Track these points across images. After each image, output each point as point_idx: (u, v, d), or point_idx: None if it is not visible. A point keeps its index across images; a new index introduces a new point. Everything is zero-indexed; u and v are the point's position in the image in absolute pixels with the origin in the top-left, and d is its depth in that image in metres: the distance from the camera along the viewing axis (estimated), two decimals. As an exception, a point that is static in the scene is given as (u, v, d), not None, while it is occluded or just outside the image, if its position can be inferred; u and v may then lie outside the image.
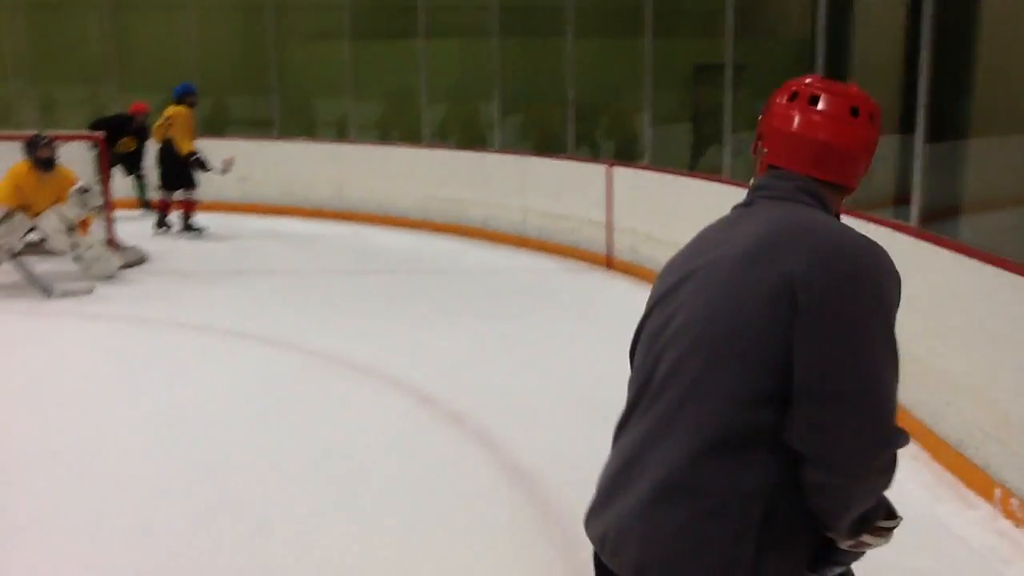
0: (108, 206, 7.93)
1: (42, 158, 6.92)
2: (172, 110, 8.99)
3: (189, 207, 9.18)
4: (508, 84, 9.08)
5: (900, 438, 1.40)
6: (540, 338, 5.87)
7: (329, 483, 3.80)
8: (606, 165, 7.74)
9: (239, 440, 4.23)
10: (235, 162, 9.09)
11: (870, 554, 1.54)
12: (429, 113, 9.80)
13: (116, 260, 7.45)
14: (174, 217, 9.32)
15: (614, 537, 1.52)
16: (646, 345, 1.60)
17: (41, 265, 7.17)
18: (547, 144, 9.01)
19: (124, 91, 10.96)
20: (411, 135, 10.01)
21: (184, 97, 9.03)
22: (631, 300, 6.71)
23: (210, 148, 9.68)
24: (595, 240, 7.84)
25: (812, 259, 1.43)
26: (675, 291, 1.57)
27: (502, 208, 8.85)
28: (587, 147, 8.75)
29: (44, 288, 6.81)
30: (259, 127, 10.93)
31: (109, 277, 7.24)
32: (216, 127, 10.93)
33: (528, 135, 9.47)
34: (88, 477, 3.85)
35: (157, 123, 9.20)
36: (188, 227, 9.17)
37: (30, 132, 7.42)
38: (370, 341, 5.73)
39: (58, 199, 7.03)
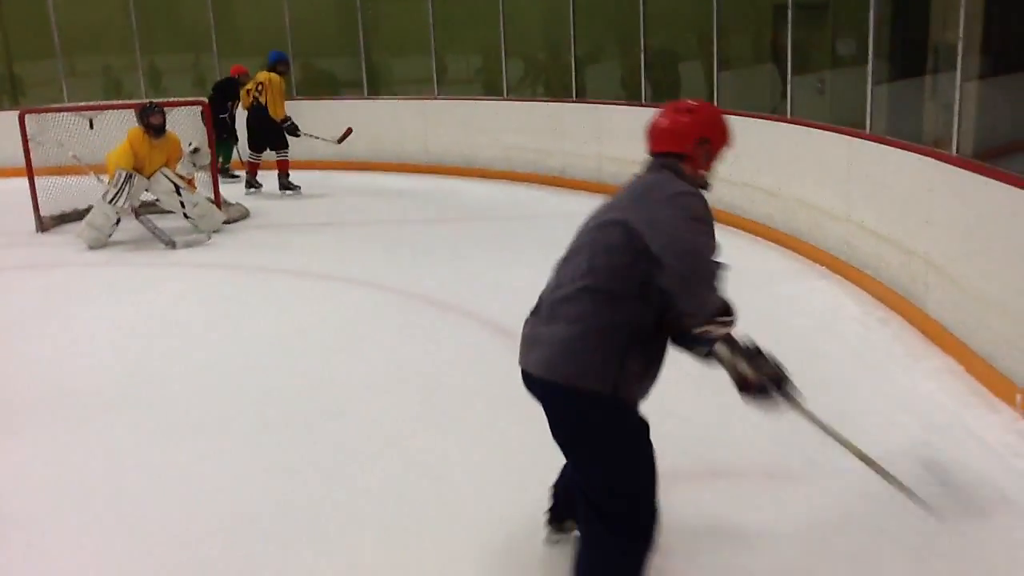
0: (213, 166, 8.61)
1: (154, 124, 7.58)
2: (265, 76, 9.44)
3: (283, 167, 9.68)
4: (585, 34, 9.37)
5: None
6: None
7: (416, 393, 4.35)
8: (676, 110, 7.99)
9: (338, 362, 4.84)
10: (351, 133, 9.69)
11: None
12: (510, 66, 10.17)
13: (221, 215, 8.13)
14: (261, 177, 9.84)
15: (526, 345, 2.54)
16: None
17: (160, 221, 7.89)
18: (623, 92, 9.31)
19: (223, 58, 11.63)
20: (492, 89, 10.41)
21: (277, 65, 9.47)
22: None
23: (304, 109, 10.30)
24: (667, 184, 8.12)
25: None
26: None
27: (579, 156, 9.22)
28: (663, 93, 8.99)
29: (167, 241, 7.52)
30: (348, 87, 11.47)
31: (216, 231, 7.93)
32: (308, 88, 11.53)
33: (606, 84, 9.75)
34: (216, 391, 4.49)
35: (246, 87, 9.69)
36: (286, 186, 9.70)
37: (140, 101, 8.13)
38: (453, 280, 6.23)
39: (167, 161, 7.74)
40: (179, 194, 7.76)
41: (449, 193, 9.58)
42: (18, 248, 7.78)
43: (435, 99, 10.72)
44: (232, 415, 4.22)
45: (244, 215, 8.55)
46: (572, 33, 9.34)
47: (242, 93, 9.80)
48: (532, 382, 2.51)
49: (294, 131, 9.55)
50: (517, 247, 7.25)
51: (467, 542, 3.11)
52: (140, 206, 7.78)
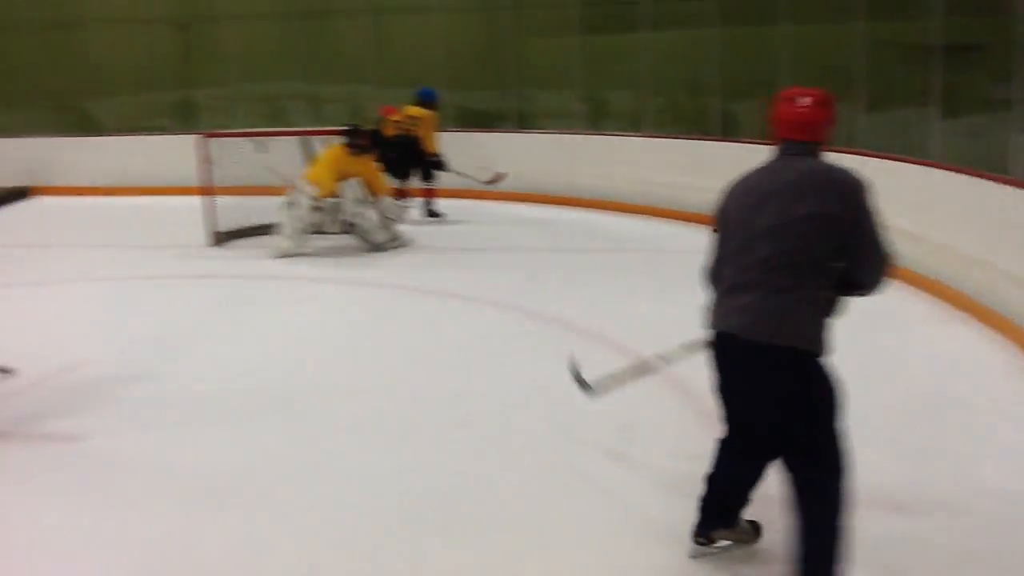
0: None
1: (360, 144, 8.47)
2: (418, 111, 9.99)
3: (430, 195, 10.21)
4: (726, 73, 9.51)
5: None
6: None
7: (547, 409, 4.61)
8: (820, 150, 8.01)
9: (477, 376, 5.17)
10: (504, 178, 10.32)
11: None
12: (652, 103, 10.39)
13: (383, 236, 8.67)
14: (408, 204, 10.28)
15: (751, 317, 2.82)
16: (744, 238, 2.91)
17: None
18: (763, 131, 9.36)
19: (381, 88, 12.34)
20: (635, 124, 10.65)
21: (430, 102, 10.05)
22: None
23: (455, 141, 10.82)
24: (808, 224, 8.13)
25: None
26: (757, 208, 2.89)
27: (719, 194, 9.30)
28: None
29: (376, 245, 8.46)
30: (498, 120, 11.94)
31: (377, 248, 8.47)
32: (459, 120, 12.07)
33: (744, 122, 9.85)
34: (367, 396, 4.87)
35: (394, 118, 10.12)
36: (430, 213, 10.18)
37: (307, 129, 8.78)
38: (588, 307, 6.49)
39: (361, 175, 8.53)
40: (362, 204, 8.49)
41: (590, 225, 9.85)
42: (193, 260, 8.53)
43: (580, 133, 11.03)
44: (380, 419, 4.60)
45: (404, 244, 9.01)
46: (718, 70, 9.49)
47: (389, 123, 10.22)
48: (743, 347, 2.84)
49: (442, 165, 10.09)
50: (651, 279, 7.44)
51: (593, 546, 3.32)
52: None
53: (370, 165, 8.71)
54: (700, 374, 3.25)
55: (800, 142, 2.91)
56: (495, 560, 3.29)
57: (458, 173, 10.25)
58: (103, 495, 3.86)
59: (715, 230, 3.10)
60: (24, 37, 13.38)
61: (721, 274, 3.01)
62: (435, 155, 10.06)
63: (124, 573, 3.28)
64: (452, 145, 10.53)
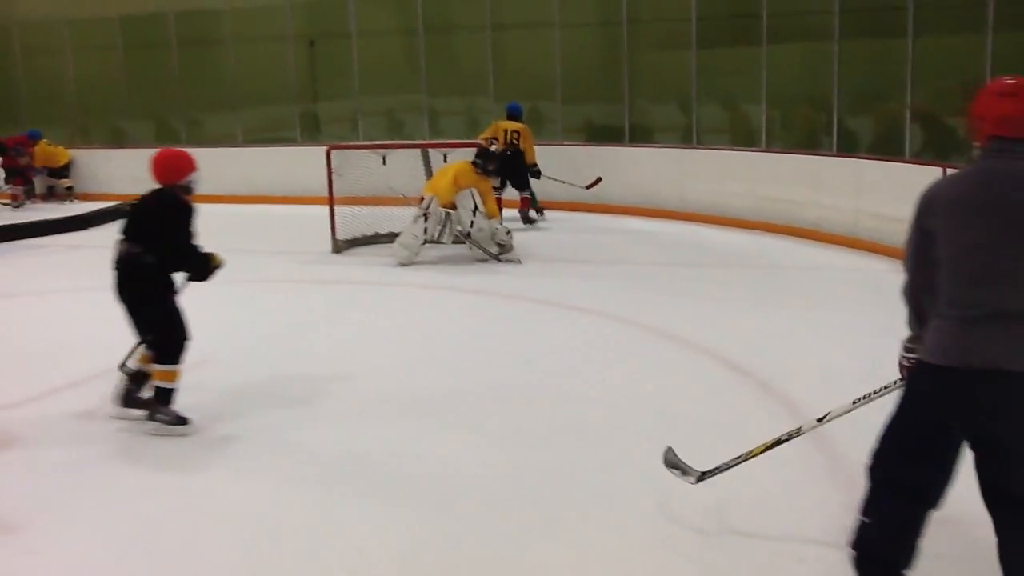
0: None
1: (489, 168, 8.84)
2: (517, 126, 10.66)
3: (525, 204, 10.79)
4: (844, 87, 9.34)
5: None
6: (858, 327, 6.27)
7: (650, 418, 4.68)
8: (941, 167, 7.82)
9: (580, 382, 5.29)
10: (601, 182, 10.70)
11: None
12: (768, 117, 10.30)
13: (494, 248, 8.90)
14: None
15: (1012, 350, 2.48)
16: (981, 256, 2.52)
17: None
18: (884, 146, 9.18)
19: (498, 102, 12.61)
20: (749, 139, 10.57)
21: (521, 117, 10.85)
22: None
23: (568, 153, 10.97)
24: (928, 242, 7.92)
25: None
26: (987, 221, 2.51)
27: (835, 210, 9.17)
28: (930, 150, 8.77)
29: (488, 255, 8.74)
30: (610, 133, 12.03)
31: (489, 258, 8.71)
32: (572, 133, 12.22)
33: (865, 138, 9.65)
34: (470, 396, 5.04)
35: (485, 135, 10.56)
36: (527, 219, 10.76)
37: (428, 142, 9.10)
38: (693, 319, 6.51)
39: (478, 187, 8.88)
40: (474, 214, 8.82)
41: (700, 239, 9.83)
42: (316, 265, 8.94)
43: (692, 148, 11.02)
44: (485, 419, 4.76)
45: (511, 250, 9.22)
46: (835, 84, 9.34)
47: (480, 140, 10.58)
48: (1005, 380, 2.51)
49: (538, 174, 10.75)
50: (764, 293, 7.40)
51: (683, 555, 3.38)
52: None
53: (489, 184, 8.98)
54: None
55: (1019, 140, 2.55)
56: (592, 556, 3.39)
57: (557, 180, 10.68)
58: (269, 476, 4.14)
59: (919, 243, 2.71)
60: (167, 54, 14.25)
61: (956, 296, 2.59)
62: (534, 164, 10.64)
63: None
64: (566, 158, 10.69)
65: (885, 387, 3.11)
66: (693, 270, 8.48)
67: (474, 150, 9.65)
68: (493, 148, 9.28)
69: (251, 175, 13.52)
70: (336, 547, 3.51)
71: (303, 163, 12.78)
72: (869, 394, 3.19)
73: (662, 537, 3.51)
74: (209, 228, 12.11)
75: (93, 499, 4.00)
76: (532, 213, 10.83)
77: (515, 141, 10.61)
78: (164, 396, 4.62)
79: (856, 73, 9.40)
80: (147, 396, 4.70)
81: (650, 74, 12.10)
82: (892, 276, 7.82)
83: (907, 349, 2.93)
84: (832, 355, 5.64)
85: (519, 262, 8.72)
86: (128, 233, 4.59)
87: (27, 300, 8.01)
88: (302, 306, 7.47)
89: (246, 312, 7.28)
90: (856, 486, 3.79)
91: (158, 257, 4.53)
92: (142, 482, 4.16)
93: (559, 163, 11.54)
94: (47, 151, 14.18)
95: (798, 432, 3.34)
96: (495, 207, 9.03)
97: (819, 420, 3.27)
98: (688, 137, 11.17)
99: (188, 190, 4.82)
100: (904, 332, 3.04)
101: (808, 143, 10.26)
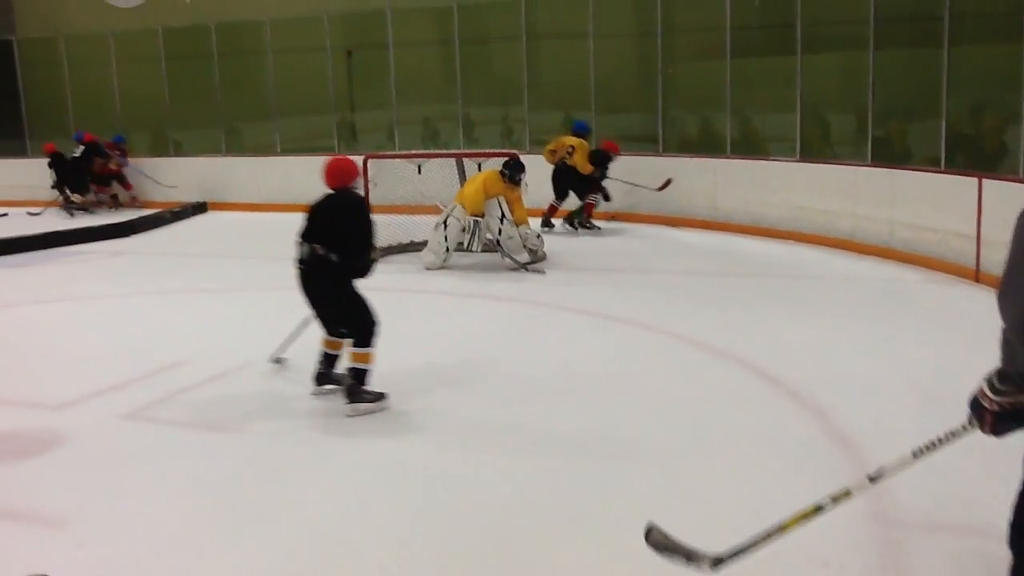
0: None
1: (517, 179, 9.00)
2: (574, 140, 10.88)
3: (588, 209, 11.05)
4: (880, 98, 9.32)
5: None
6: (891, 337, 6.27)
7: (681, 426, 4.72)
8: (977, 178, 7.79)
9: (615, 390, 5.33)
10: (671, 183, 10.98)
11: None
12: (801, 126, 10.29)
13: (525, 255, 8.98)
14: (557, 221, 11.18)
15: None
16: None
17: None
18: (916, 156, 9.15)
19: (531, 111, 12.72)
20: (784, 149, 10.56)
21: (584, 133, 11.09)
22: (995, 312, 6.86)
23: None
24: (963, 253, 7.90)
25: None
26: None
27: (870, 220, 9.14)
28: (961, 159, 8.73)
29: (517, 264, 8.85)
30: (644, 142, 12.08)
31: (519, 267, 8.80)
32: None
33: (897, 148, 9.61)
34: (501, 402, 5.12)
35: (550, 147, 11.06)
36: (585, 224, 11.06)
37: (466, 151, 9.20)
38: (725, 329, 6.53)
39: (506, 196, 9.03)
40: (502, 221, 8.91)
41: (732, 249, 9.83)
42: (350, 272, 9.07)
43: (726, 158, 11.03)
44: (516, 425, 4.83)
45: (542, 257, 9.32)
46: (871, 95, 9.32)
47: (545, 152, 11.18)
48: None
49: (596, 183, 10.94)
50: (797, 303, 7.41)
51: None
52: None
53: (517, 193, 9.08)
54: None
55: None
56: (621, 557, 3.45)
57: (627, 183, 10.97)
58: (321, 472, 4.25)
59: None
60: (207, 65, 14.54)
61: None
62: (594, 172, 10.84)
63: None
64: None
65: (951, 433, 2.73)
66: (726, 279, 8.50)
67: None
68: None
69: (289, 184, 13.74)
70: (375, 544, 3.61)
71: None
72: (932, 443, 2.81)
73: (688, 539, 3.56)
74: (248, 236, 12.46)
75: (138, 495, 4.13)
76: (578, 221, 11.07)
77: (568, 154, 10.91)
78: (361, 376, 5.02)
79: (891, 84, 9.37)
80: (340, 374, 5.19)
81: (684, 84, 12.14)
82: (926, 287, 7.91)
83: (996, 391, 2.43)
84: (864, 366, 5.65)
85: (543, 272, 8.75)
86: (310, 234, 4.98)
87: (71, 305, 8.23)
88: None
89: (282, 318, 7.42)
90: (881, 492, 3.83)
91: (341, 255, 4.89)
92: (187, 479, 4.28)
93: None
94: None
95: (846, 495, 2.94)
96: (523, 214, 9.12)
97: (871, 479, 2.91)
98: (722, 147, 11.18)
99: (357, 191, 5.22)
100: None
101: (843, 153, 10.24)
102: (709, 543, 3.52)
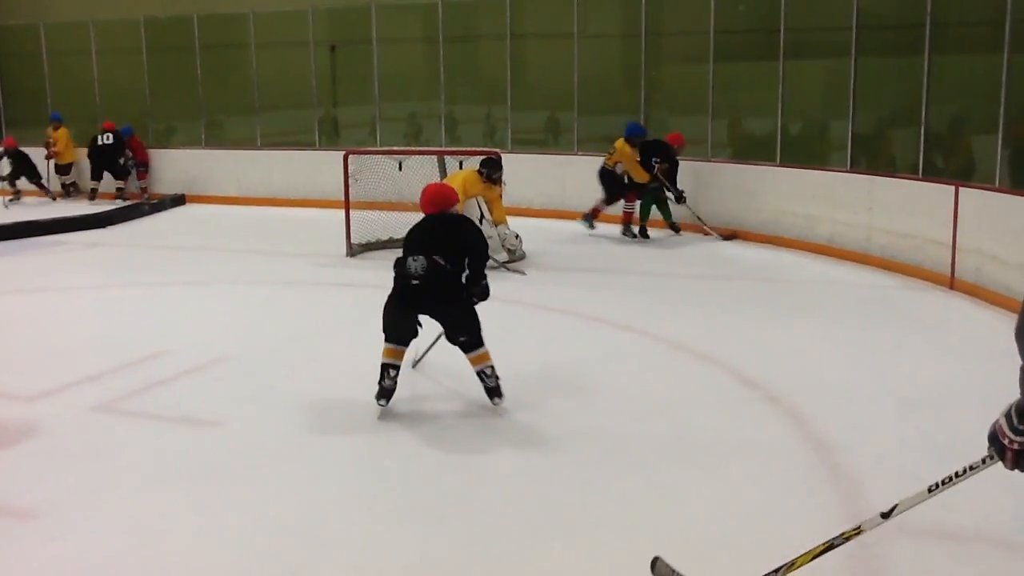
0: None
1: (495, 177, 8.94)
2: (618, 143, 10.44)
3: (627, 217, 10.66)
4: (861, 104, 9.39)
5: None
6: (868, 342, 6.31)
7: (660, 427, 4.74)
8: (954, 186, 7.86)
9: (596, 392, 5.33)
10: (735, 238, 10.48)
11: None
12: (783, 131, 10.35)
13: (504, 255, 9.00)
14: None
15: None
16: None
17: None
18: (895, 163, 9.23)
19: (514, 111, 12.71)
20: (767, 153, 10.61)
21: (632, 137, 10.46)
22: (970, 319, 6.98)
23: (587, 164, 11.02)
24: (939, 260, 7.97)
25: None
26: None
27: (848, 226, 9.20)
28: (936, 167, 8.81)
29: (503, 265, 8.79)
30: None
31: (498, 266, 8.81)
32: (589, 144, 12.27)
33: (877, 155, 9.69)
34: (473, 400, 5.12)
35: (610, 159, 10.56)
36: (643, 233, 10.60)
37: (447, 149, 9.15)
38: (705, 332, 6.56)
39: (485, 196, 9.01)
40: (480, 222, 8.88)
41: (713, 252, 9.87)
42: (331, 268, 9.04)
43: (707, 161, 11.07)
44: (494, 426, 4.83)
45: (522, 256, 9.32)
46: (851, 102, 9.38)
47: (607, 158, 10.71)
48: None
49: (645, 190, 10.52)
50: (776, 307, 7.44)
51: (693, 560, 3.45)
52: None
53: (497, 192, 9.06)
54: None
55: None
56: (604, 559, 3.46)
57: (699, 222, 10.57)
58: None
59: None
60: (189, 57, 14.43)
61: None
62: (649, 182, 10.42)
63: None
64: (584, 169, 10.75)
65: (969, 468, 2.58)
66: (706, 282, 8.53)
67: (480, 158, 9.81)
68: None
69: (269, 178, 13.67)
70: (352, 541, 3.60)
71: (321, 167, 12.94)
72: (948, 478, 2.66)
73: (673, 542, 3.57)
74: (225, 229, 12.40)
75: (112, 488, 4.10)
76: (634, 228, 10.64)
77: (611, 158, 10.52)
78: (493, 371, 5.06)
79: (873, 91, 9.44)
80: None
81: (668, 87, 12.17)
82: (903, 293, 7.98)
83: (1017, 430, 2.31)
84: (843, 371, 5.69)
85: (523, 273, 8.73)
86: (428, 249, 4.94)
87: (46, 296, 8.14)
88: (320, 308, 7.57)
89: (264, 312, 7.40)
90: (856, 495, 3.86)
91: (458, 270, 4.98)
92: (162, 472, 4.25)
93: (577, 174, 11.65)
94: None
95: (857, 532, 2.82)
96: (502, 214, 9.11)
97: (884, 515, 2.77)
98: (704, 150, 11.22)
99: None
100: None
101: (823, 159, 10.30)
102: (688, 544, 3.54)
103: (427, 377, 5.65)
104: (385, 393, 4.96)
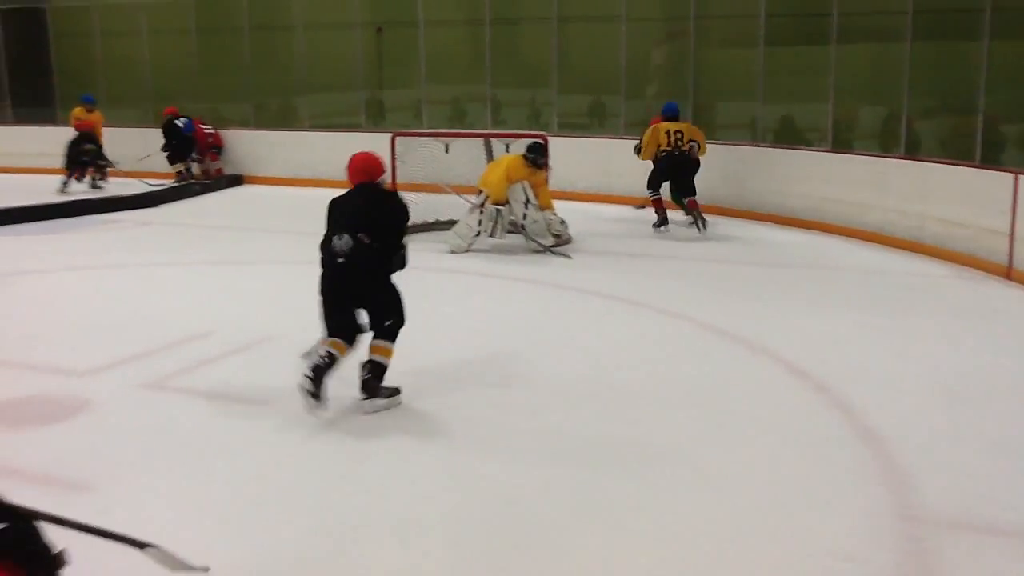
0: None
1: (540, 163, 8.94)
2: (681, 125, 9.89)
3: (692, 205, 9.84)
4: (915, 90, 9.19)
5: None
6: (918, 332, 6.21)
7: (706, 416, 4.70)
8: (1013, 174, 7.67)
9: (639, 376, 5.31)
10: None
11: None
12: (834, 117, 10.17)
13: (549, 239, 8.97)
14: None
15: None
16: None
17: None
18: (953, 151, 9.02)
19: (560, 94, 12.64)
20: (815, 139, 10.45)
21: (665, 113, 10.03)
22: (1026, 310, 6.82)
23: (632, 147, 10.93)
24: (995, 250, 7.79)
25: None
26: None
27: (899, 214, 9.03)
28: (993, 155, 8.60)
29: (542, 247, 8.83)
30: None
31: (543, 250, 8.78)
32: (635, 128, 12.17)
33: (930, 141, 9.48)
34: (523, 385, 5.11)
35: (646, 149, 10.01)
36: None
37: (495, 132, 9.11)
38: (752, 318, 6.48)
39: (530, 180, 8.98)
40: (526, 206, 8.89)
41: (758, 237, 9.75)
42: (375, 249, 9.07)
43: (753, 145, 10.92)
44: (541, 407, 4.82)
45: (568, 240, 9.28)
46: (905, 87, 9.19)
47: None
48: None
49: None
50: (824, 295, 7.33)
51: (730, 549, 3.41)
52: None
53: (541, 177, 9.03)
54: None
55: None
56: (640, 545, 3.45)
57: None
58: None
59: None
60: (240, 39, 14.54)
61: None
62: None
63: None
64: (627, 154, 10.67)
65: None
66: (751, 268, 8.43)
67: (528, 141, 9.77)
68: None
69: (315, 159, 13.74)
70: (400, 523, 3.62)
71: (367, 149, 12.95)
72: None
73: (721, 531, 3.55)
74: (272, 210, 12.49)
75: (161, 465, 4.16)
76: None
77: (679, 142, 9.75)
78: (382, 372, 4.81)
79: (927, 77, 9.23)
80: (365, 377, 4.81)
81: (716, 71, 12.01)
82: (956, 283, 7.83)
83: None
84: (893, 361, 5.59)
85: (569, 257, 8.72)
86: (350, 226, 4.76)
87: (97, 273, 8.28)
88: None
89: (308, 294, 7.44)
90: (907, 489, 3.80)
91: (382, 247, 4.79)
92: (208, 450, 4.31)
93: (622, 158, 11.58)
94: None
95: None
96: (548, 199, 9.09)
97: None
98: (751, 135, 11.07)
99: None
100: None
101: (875, 145, 10.12)
102: (738, 534, 3.51)
103: (466, 362, 5.65)
104: (315, 383, 4.61)
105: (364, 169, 5.01)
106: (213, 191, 13.53)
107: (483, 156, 9.88)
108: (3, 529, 1.43)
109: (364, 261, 4.74)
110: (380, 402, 4.79)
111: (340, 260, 4.74)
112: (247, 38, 14.51)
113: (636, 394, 5.08)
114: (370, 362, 4.80)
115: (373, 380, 4.78)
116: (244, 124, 14.77)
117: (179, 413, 4.80)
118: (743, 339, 6.02)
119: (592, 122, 12.92)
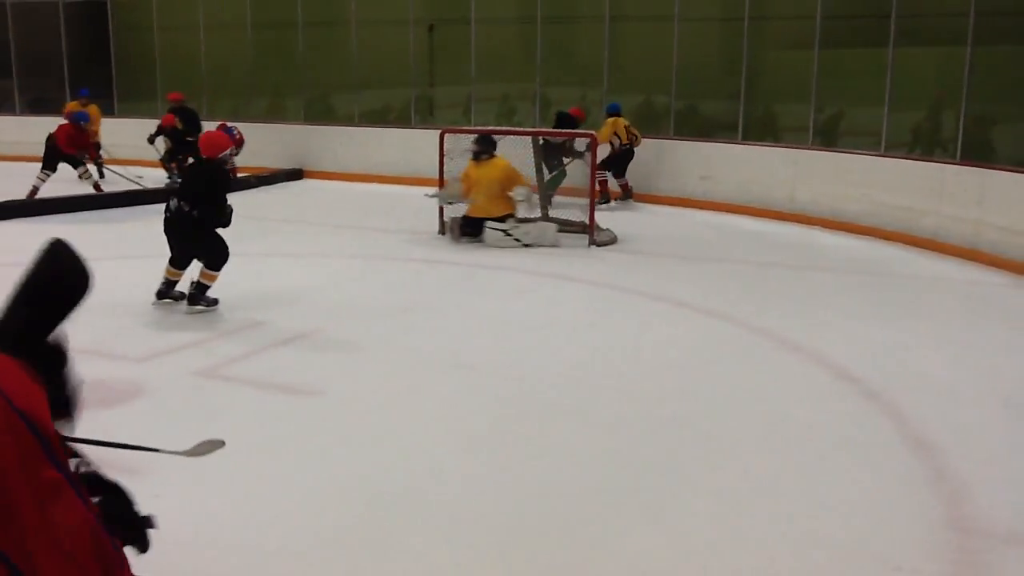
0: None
1: (478, 151, 9.15)
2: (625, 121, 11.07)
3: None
4: (975, 95, 9.01)
5: None
6: (975, 341, 6.08)
7: (754, 419, 4.66)
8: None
9: (684, 379, 5.28)
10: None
11: None
12: (888, 121, 10.00)
13: (554, 234, 9.11)
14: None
15: None
16: None
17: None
18: (1010, 156, 8.83)
19: (611, 93, 12.59)
20: (871, 143, 10.28)
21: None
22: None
23: (680, 149, 10.88)
24: (1057, 258, 7.62)
25: None
26: None
27: (956, 220, 8.86)
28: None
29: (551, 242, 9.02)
30: (725, 130, 11.87)
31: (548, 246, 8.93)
32: (685, 129, 12.10)
33: (989, 148, 9.29)
34: (577, 384, 5.11)
35: (604, 133, 11.18)
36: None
37: (538, 129, 9.10)
38: (802, 323, 6.40)
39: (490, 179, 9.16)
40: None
41: (810, 241, 9.63)
42: (424, 245, 9.13)
43: (808, 148, 10.79)
44: (591, 407, 4.82)
45: (612, 240, 9.27)
46: (964, 91, 9.01)
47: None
48: None
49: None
50: (877, 301, 7.22)
51: (781, 552, 3.38)
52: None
53: (497, 167, 9.12)
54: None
55: None
56: (690, 547, 3.43)
57: None
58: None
59: None
60: (294, 35, 14.71)
61: None
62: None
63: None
64: (675, 152, 10.60)
65: None
66: (801, 272, 8.33)
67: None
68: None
69: (365, 154, 13.84)
70: (448, 512, 3.64)
71: (416, 145, 13.05)
72: None
73: (762, 535, 3.52)
74: (325, 204, 12.58)
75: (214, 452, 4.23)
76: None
77: (632, 137, 11.34)
78: (204, 289, 6.42)
79: (987, 81, 9.04)
80: (178, 291, 6.60)
81: (771, 72, 11.87)
82: (1014, 292, 7.66)
83: None
84: (947, 370, 5.50)
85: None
86: (181, 195, 6.40)
87: (150, 262, 8.37)
88: (412, 284, 7.68)
89: (359, 286, 7.53)
90: (960, 499, 3.73)
91: (205, 211, 6.28)
92: (260, 438, 4.37)
93: (669, 157, 11.53)
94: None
95: None
96: (521, 177, 9.30)
97: None
98: (804, 137, 10.94)
99: (225, 162, 6.67)
100: None
101: (932, 151, 9.94)
102: (784, 538, 3.48)
103: (511, 357, 5.66)
104: (160, 295, 6.55)
105: (207, 145, 6.43)
106: (270, 184, 13.67)
107: (531, 155, 9.90)
108: (104, 501, 1.48)
109: (181, 222, 6.29)
110: (198, 308, 6.38)
111: (167, 215, 6.37)
112: (302, 34, 14.68)
113: (685, 395, 5.05)
114: (198, 283, 6.41)
115: (199, 295, 6.39)
116: (296, 118, 14.94)
117: (231, 401, 4.89)
118: (793, 343, 5.95)
119: (642, 122, 12.86)
